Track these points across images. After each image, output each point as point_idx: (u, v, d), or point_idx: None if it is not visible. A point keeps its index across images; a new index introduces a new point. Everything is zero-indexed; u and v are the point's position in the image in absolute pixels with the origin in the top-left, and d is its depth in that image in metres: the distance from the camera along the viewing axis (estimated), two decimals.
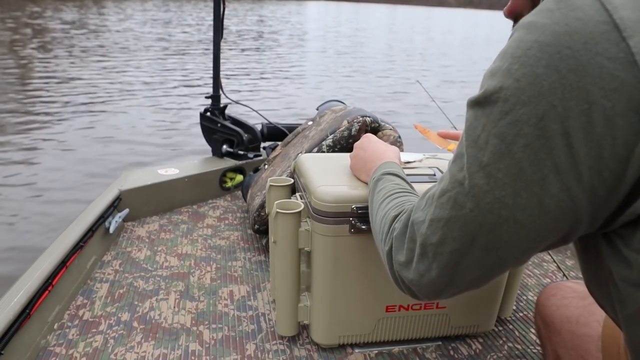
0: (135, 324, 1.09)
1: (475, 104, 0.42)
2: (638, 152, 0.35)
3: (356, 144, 0.94)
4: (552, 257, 1.46)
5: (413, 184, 0.84)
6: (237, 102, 2.05)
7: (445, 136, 1.00)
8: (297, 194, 1.05)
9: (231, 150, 1.91)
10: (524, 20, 0.39)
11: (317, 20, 24.57)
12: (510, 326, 1.15)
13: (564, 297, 0.82)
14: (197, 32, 13.00)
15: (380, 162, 0.83)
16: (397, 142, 1.35)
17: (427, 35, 18.22)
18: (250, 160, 1.91)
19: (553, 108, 0.36)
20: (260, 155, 1.94)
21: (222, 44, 1.86)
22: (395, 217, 0.58)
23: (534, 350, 1.07)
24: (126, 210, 1.54)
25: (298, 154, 1.34)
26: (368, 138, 0.93)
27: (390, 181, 0.73)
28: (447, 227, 0.45)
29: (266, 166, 1.56)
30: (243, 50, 9.91)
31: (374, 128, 1.36)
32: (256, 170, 1.65)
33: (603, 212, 0.39)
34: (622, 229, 0.39)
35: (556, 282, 0.89)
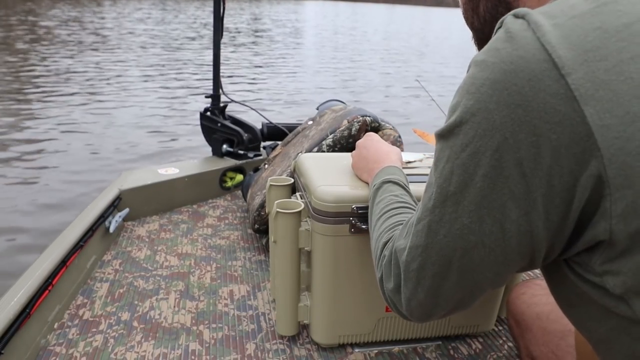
0: (135, 324, 1.09)
1: (441, 136, 0.45)
2: (583, 180, 0.37)
3: (358, 143, 0.95)
4: None
5: (413, 184, 0.85)
6: (237, 102, 2.05)
7: None
8: (297, 194, 1.05)
9: (231, 149, 1.91)
10: (477, 57, 0.42)
11: (315, 20, 24.57)
12: None
13: (533, 295, 0.85)
14: (194, 30, 12.99)
15: (383, 164, 0.84)
16: (397, 142, 1.35)
17: (425, 35, 18.22)
18: (250, 160, 1.91)
19: (505, 140, 0.39)
20: (260, 155, 1.94)
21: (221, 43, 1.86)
22: (385, 243, 0.62)
23: None
24: (126, 210, 1.54)
25: (298, 153, 1.35)
26: (371, 137, 0.94)
27: (389, 192, 0.75)
28: (425, 253, 0.48)
29: (266, 166, 1.56)
30: (242, 50, 9.91)
31: (374, 128, 1.36)
32: (256, 169, 1.65)
33: (559, 237, 0.41)
34: (577, 257, 0.42)
35: (525, 280, 0.91)
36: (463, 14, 0.57)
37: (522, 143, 0.38)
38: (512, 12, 0.41)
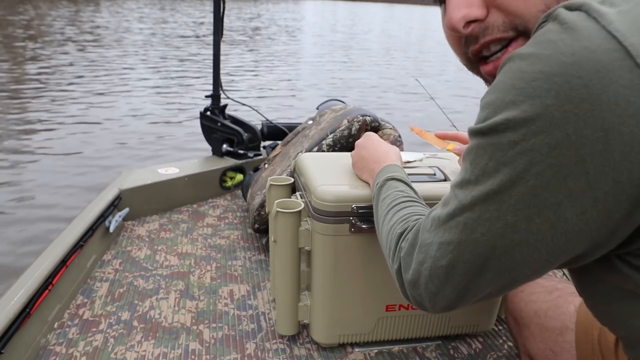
0: (135, 323, 1.09)
1: (480, 133, 0.42)
2: None
3: (358, 142, 0.95)
4: None
5: (413, 184, 0.85)
6: (237, 101, 2.05)
7: (443, 137, 1.01)
8: (297, 193, 1.05)
9: (231, 149, 1.91)
10: (520, 51, 0.39)
11: (313, 19, 24.56)
12: None
13: (531, 293, 0.84)
14: (193, 29, 12.99)
15: (383, 164, 0.84)
16: (397, 142, 1.35)
17: (423, 34, 18.22)
18: (250, 160, 1.91)
19: (567, 137, 0.36)
20: (260, 155, 1.94)
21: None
22: (401, 234, 0.59)
23: None
24: (126, 210, 1.54)
25: (298, 153, 1.34)
26: (370, 137, 0.94)
27: (394, 188, 0.73)
28: (457, 251, 0.46)
29: (266, 165, 1.56)
30: (242, 49, 9.91)
31: (374, 127, 1.36)
32: (256, 169, 1.65)
33: (619, 235, 0.39)
34: (639, 250, 0.40)
35: None
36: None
37: (587, 139, 0.36)
38: (563, 4, 0.38)
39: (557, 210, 0.39)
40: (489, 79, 0.52)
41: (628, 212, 0.37)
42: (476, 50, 0.50)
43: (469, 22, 0.48)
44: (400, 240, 0.58)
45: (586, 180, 0.37)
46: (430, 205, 0.64)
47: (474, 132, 0.43)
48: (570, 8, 0.38)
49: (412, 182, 0.85)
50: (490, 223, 0.42)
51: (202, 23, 15.52)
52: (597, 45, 0.35)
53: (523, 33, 0.47)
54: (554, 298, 0.80)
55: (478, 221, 0.43)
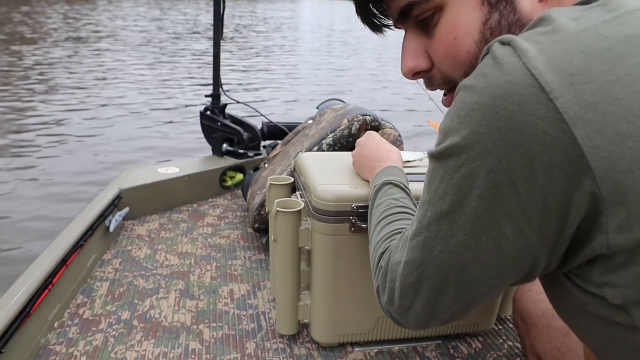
0: (135, 323, 1.09)
1: (433, 157, 0.46)
2: (577, 198, 0.38)
3: (359, 141, 0.95)
4: None
5: (413, 183, 0.85)
6: (237, 101, 2.05)
7: None
8: (297, 193, 1.05)
9: (231, 148, 1.91)
10: (466, 82, 0.43)
11: (311, 18, 24.55)
12: (510, 325, 1.15)
13: (539, 292, 0.85)
14: (192, 28, 12.99)
15: (384, 164, 0.85)
16: (398, 141, 1.35)
17: None
18: (250, 159, 1.91)
19: (499, 162, 0.40)
20: (261, 154, 1.94)
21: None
22: (382, 254, 0.63)
23: None
24: (126, 209, 1.54)
25: (298, 152, 1.34)
26: (372, 135, 0.94)
27: (389, 195, 0.75)
28: (421, 268, 0.49)
29: (266, 165, 1.56)
30: (241, 49, 9.91)
31: (374, 127, 1.36)
32: (256, 168, 1.65)
33: (556, 252, 0.42)
34: (577, 269, 0.43)
35: None
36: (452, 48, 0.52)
37: (515, 165, 0.39)
38: (498, 38, 0.42)
39: (498, 229, 0.42)
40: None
41: (559, 230, 0.41)
42: (430, 90, 0.58)
43: (417, 73, 0.55)
44: (381, 260, 0.62)
45: (519, 201, 0.40)
46: None
47: (430, 156, 0.47)
48: (502, 42, 0.41)
49: (411, 181, 0.85)
50: (445, 242, 0.46)
51: (200, 22, 15.52)
52: (519, 80, 0.38)
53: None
54: None
55: (435, 240, 0.47)
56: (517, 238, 0.42)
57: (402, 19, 0.53)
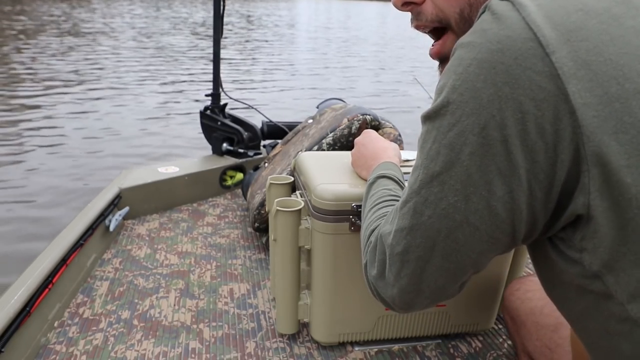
0: (135, 322, 1.09)
1: (427, 118, 0.46)
2: (564, 156, 0.39)
3: (357, 140, 0.95)
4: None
5: None
6: (237, 100, 2.05)
7: None
8: (297, 192, 1.05)
9: (231, 148, 1.91)
10: (463, 39, 0.43)
11: (309, 17, 24.54)
12: None
13: (527, 291, 0.86)
14: (192, 28, 12.99)
15: (380, 161, 0.84)
16: (398, 141, 1.35)
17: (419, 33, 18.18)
18: (250, 159, 1.91)
19: (492, 118, 0.40)
20: (261, 154, 1.94)
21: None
22: (373, 231, 0.62)
23: None
24: (126, 209, 1.54)
25: (298, 152, 1.34)
26: (369, 134, 0.94)
27: (383, 186, 0.74)
28: (410, 236, 0.49)
29: (266, 164, 1.56)
30: (241, 48, 9.91)
31: (374, 126, 1.36)
32: (256, 168, 1.65)
33: (543, 213, 0.43)
34: (562, 232, 0.43)
35: (520, 276, 0.92)
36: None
37: (508, 120, 0.39)
38: None
39: (489, 188, 0.42)
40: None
41: (548, 189, 0.41)
42: (414, 26, 0.57)
43: (407, 3, 0.55)
44: (370, 236, 0.61)
45: (510, 159, 0.41)
46: None
47: (423, 118, 0.47)
48: None
49: None
50: (435, 205, 0.46)
51: (200, 22, 15.52)
52: (517, 34, 0.39)
53: (448, 26, 0.54)
54: None
55: (425, 204, 0.46)
56: (507, 198, 0.42)
57: None
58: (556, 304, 0.50)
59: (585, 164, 0.38)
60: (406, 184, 0.53)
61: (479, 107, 0.40)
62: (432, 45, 0.57)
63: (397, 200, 0.69)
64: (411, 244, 0.49)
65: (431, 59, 0.58)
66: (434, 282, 0.50)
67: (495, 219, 0.43)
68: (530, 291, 0.85)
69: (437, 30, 0.56)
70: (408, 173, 0.97)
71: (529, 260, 1.48)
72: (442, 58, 0.57)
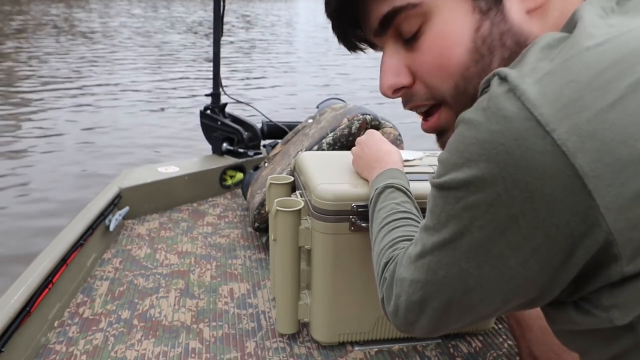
0: (135, 322, 1.09)
1: (435, 187, 0.46)
2: (582, 230, 0.38)
3: (359, 139, 0.95)
4: None
5: (413, 182, 0.84)
6: (237, 100, 2.05)
7: None
8: (297, 192, 1.05)
9: (231, 148, 1.91)
10: (465, 115, 0.42)
11: (308, 17, 24.53)
12: None
13: None
14: (191, 28, 12.98)
15: (385, 165, 0.84)
16: (398, 140, 1.35)
17: None
18: (250, 158, 1.91)
19: (499, 197, 0.40)
20: (261, 153, 1.94)
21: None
22: (386, 264, 0.63)
23: None
24: (126, 208, 1.54)
25: (298, 152, 1.34)
26: (372, 134, 0.94)
27: (392, 199, 0.75)
28: (426, 289, 0.49)
29: (266, 164, 1.56)
30: (240, 48, 9.91)
31: (374, 126, 1.36)
32: (256, 168, 1.65)
33: (561, 282, 0.42)
34: (589, 294, 0.42)
35: None
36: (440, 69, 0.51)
37: (515, 199, 0.39)
38: (495, 71, 0.42)
39: (501, 259, 0.42)
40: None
41: (563, 260, 0.40)
42: (408, 108, 0.57)
43: (397, 89, 0.54)
44: (385, 271, 0.62)
45: (521, 234, 0.40)
46: None
47: (432, 185, 0.47)
48: (499, 76, 0.41)
49: (411, 180, 0.85)
50: (448, 267, 0.46)
51: (200, 22, 15.51)
52: (514, 114, 0.38)
53: (442, 102, 0.53)
54: None
55: (439, 264, 0.47)
56: (521, 268, 0.41)
57: (382, 30, 0.52)
58: (579, 353, 0.49)
59: (610, 234, 0.37)
60: (422, 187, 0.52)
61: (484, 186, 0.40)
62: (426, 120, 0.56)
63: (407, 218, 0.71)
64: (428, 296, 0.49)
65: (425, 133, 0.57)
66: (452, 325, 0.51)
67: (509, 285, 0.43)
68: None
69: (431, 107, 0.55)
70: (410, 173, 0.97)
71: None
72: (440, 131, 0.57)
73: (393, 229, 0.69)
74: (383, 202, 0.75)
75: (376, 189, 0.79)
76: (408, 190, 0.77)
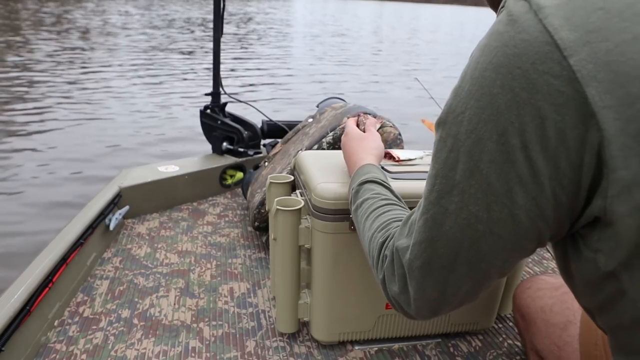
0: (135, 321, 1.09)
1: (443, 124, 0.45)
2: (587, 159, 0.37)
3: (342, 142, 0.90)
4: (551, 255, 1.46)
5: (413, 182, 0.84)
6: (237, 100, 2.05)
7: None
8: (297, 191, 1.05)
9: (231, 147, 1.91)
10: (480, 42, 0.42)
11: (307, 16, 24.51)
12: (510, 323, 1.15)
13: (538, 289, 0.86)
14: (191, 27, 12.98)
15: (359, 163, 0.81)
16: (398, 140, 1.35)
17: (415, 31, 18.21)
18: (250, 158, 1.91)
19: (511, 124, 0.39)
20: (260, 153, 1.94)
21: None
22: (384, 243, 0.60)
23: None
24: (126, 207, 1.54)
25: (298, 151, 1.34)
26: (346, 133, 0.89)
27: (370, 191, 0.72)
28: (430, 248, 0.48)
29: (266, 163, 1.56)
30: (240, 48, 9.91)
31: None
32: (256, 167, 1.65)
33: (569, 217, 0.41)
34: (582, 229, 0.42)
35: (531, 275, 0.92)
36: None
37: (527, 126, 0.38)
38: None
39: (511, 197, 0.41)
40: None
41: (573, 195, 0.39)
42: None
43: None
44: (384, 249, 0.59)
45: (531, 166, 0.39)
46: None
47: (438, 123, 0.46)
48: None
49: (411, 179, 0.85)
50: (455, 215, 0.45)
51: (201, 22, 15.51)
52: (534, 37, 0.38)
53: None
54: (560, 294, 0.82)
55: (445, 214, 0.45)
56: (530, 206, 0.41)
57: None
58: (575, 296, 0.49)
59: (605, 167, 0.37)
60: (423, 186, 0.51)
61: (497, 114, 0.39)
62: None
63: (391, 204, 0.68)
64: (432, 256, 0.48)
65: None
66: (459, 289, 0.49)
67: (519, 227, 0.42)
68: (541, 289, 0.85)
69: None
70: (410, 172, 0.97)
71: (530, 260, 1.48)
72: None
73: (381, 213, 0.67)
74: (363, 196, 0.73)
75: (352, 189, 0.77)
76: (384, 182, 0.74)
